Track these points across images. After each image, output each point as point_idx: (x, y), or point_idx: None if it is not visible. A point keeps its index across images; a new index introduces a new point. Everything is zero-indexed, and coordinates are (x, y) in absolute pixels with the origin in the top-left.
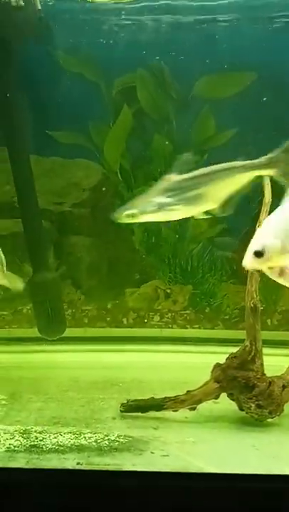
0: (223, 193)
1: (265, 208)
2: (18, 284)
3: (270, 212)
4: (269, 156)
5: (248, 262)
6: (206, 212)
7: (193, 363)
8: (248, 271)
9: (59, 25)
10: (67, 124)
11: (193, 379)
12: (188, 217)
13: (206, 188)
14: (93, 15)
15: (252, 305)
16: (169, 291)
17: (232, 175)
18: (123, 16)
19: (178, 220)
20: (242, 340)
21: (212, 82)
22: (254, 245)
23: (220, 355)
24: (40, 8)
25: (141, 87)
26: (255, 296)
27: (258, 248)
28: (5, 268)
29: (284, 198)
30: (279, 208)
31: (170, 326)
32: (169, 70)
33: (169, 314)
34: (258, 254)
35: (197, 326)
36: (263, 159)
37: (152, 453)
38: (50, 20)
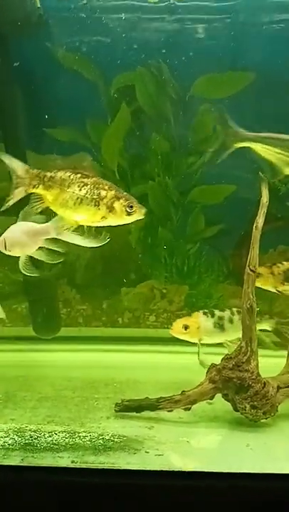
0: None
1: (263, 210)
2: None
3: (267, 214)
4: None
5: None
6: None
7: (188, 364)
8: (244, 272)
9: (57, 22)
10: (64, 121)
11: (188, 379)
12: (186, 216)
13: None
14: (92, 13)
15: (248, 306)
16: (164, 291)
17: None
18: (122, 15)
19: (175, 220)
20: (237, 342)
21: (211, 82)
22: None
23: (215, 355)
24: (39, 5)
25: (140, 85)
26: (251, 296)
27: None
28: None
29: None
30: None
31: (166, 326)
32: (169, 68)
33: (165, 314)
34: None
35: None
36: None
37: (147, 452)
38: (49, 18)
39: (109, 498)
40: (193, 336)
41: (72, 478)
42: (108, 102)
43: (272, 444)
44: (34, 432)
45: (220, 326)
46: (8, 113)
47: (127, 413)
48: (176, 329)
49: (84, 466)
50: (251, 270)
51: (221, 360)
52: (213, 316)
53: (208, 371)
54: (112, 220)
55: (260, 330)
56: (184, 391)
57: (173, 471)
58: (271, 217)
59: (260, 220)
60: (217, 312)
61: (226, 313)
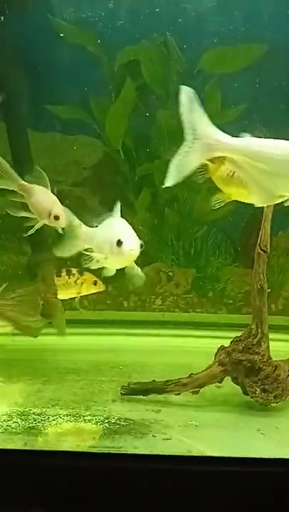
0: None
1: None
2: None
3: None
4: None
5: None
6: None
7: (195, 348)
8: (255, 252)
9: None
10: (67, 98)
11: (195, 363)
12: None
13: None
14: None
15: (259, 286)
16: (171, 274)
17: None
18: None
19: (182, 201)
20: (245, 325)
21: (219, 55)
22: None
23: (223, 339)
24: None
25: (145, 60)
26: (262, 277)
27: None
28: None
29: None
30: None
31: (172, 309)
32: (175, 42)
33: (171, 298)
34: None
35: (200, 310)
36: None
37: (154, 436)
38: None
39: (115, 482)
40: None
41: (77, 463)
42: (112, 78)
43: (284, 428)
44: (38, 415)
45: None
46: (8, 90)
47: (133, 396)
48: None
49: (89, 450)
50: (262, 250)
51: (231, 342)
52: None
53: (217, 353)
54: None
55: None
56: (192, 374)
57: (181, 456)
58: None
59: None
60: None
61: None
